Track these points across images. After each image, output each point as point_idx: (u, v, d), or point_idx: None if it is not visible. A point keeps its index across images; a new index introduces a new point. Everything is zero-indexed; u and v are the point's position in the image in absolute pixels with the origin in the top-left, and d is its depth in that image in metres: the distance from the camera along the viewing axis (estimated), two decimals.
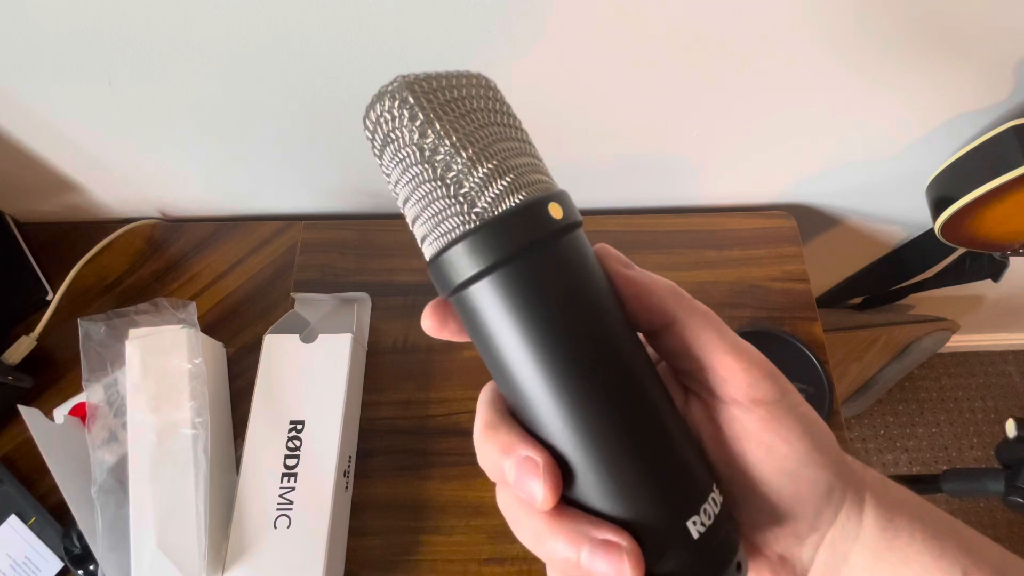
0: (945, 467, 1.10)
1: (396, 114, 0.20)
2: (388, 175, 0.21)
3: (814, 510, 0.21)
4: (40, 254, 0.67)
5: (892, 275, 0.86)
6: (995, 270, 0.74)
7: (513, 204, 0.19)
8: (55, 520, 0.56)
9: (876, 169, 0.66)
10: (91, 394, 0.54)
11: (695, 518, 0.19)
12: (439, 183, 0.20)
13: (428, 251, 0.21)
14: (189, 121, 0.57)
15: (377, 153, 0.21)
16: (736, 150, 0.63)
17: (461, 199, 0.19)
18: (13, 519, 0.56)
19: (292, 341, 0.56)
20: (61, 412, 0.59)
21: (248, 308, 0.65)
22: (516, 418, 0.21)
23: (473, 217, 0.19)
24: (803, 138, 0.62)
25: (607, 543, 0.18)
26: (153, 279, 0.67)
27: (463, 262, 0.19)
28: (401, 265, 0.67)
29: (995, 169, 0.54)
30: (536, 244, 0.19)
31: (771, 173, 0.68)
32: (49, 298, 0.64)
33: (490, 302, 0.20)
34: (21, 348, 0.61)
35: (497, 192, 0.19)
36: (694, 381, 0.22)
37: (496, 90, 0.22)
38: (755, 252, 0.68)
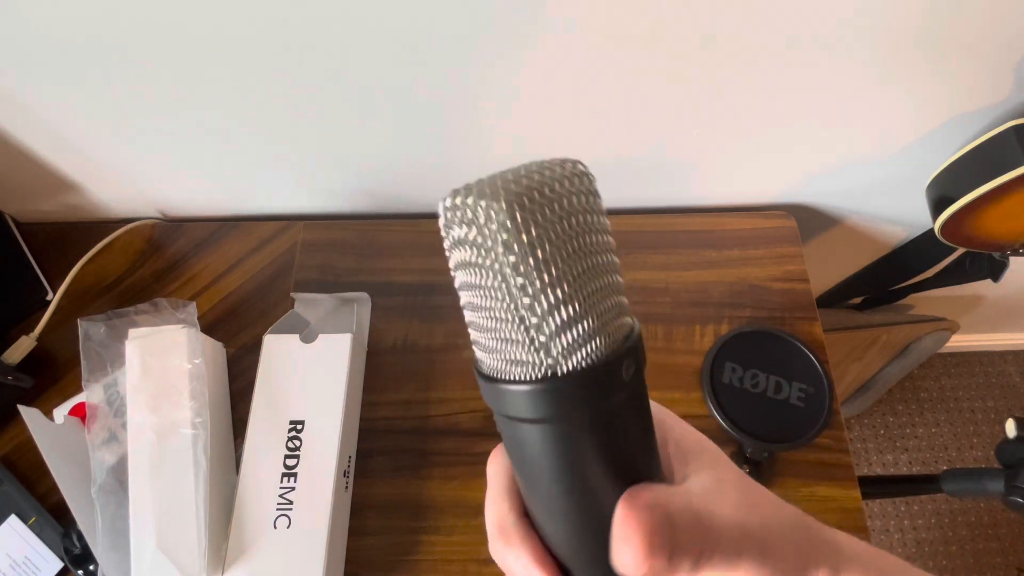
0: (945, 467, 1.10)
1: (487, 231, 0.17)
2: (450, 259, 0.19)
3: None
4: (40, 254, 0.67)
5: (892, 275, 0.86)
6: (995, 270, 0.74)
7: (588, 362, 0.18)
8: (55, 520, 0.56)
9: (876, 169, 0.66)
10: (91, 394, 0.54)
11: None
12: (515, 313, 0.17)
13: (482, 360, 0.20)
14: (189, 121, 0.57)
15: (448, 245, 0.19)
16: (736, 150, 0.63)
17: (534, 340, 0.18)
18: (13, 519, 0.56)
19: (292, 341, 0.56)
20: (61, 412, 0.59)
21: (248, 308, 0.65)
22: (531, 521, 0.22)
23: (543, 362, 0.18)
24: (803, 138, 0.62)
25: None
26: (153, 279, 0.67)
27: (521, 403, 0.18)
28: (401, 265, 0.67)
29: (995, 169, 0.54)
30: (601, 404, 0.19)
31: (771, 173, 0.68)
32: (49, 298, 0.64)
33: (538, 444, 0.19)
34: (21, 348, 0.61)
35: (574, 341, 0.18)
36: None
37: (594, 190, 0.19)
38: (755, 252, 0.68)
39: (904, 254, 0.81)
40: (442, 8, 0.45)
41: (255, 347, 0.57)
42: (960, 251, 0.77)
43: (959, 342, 1.30)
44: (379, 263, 0.67)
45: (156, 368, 0.53)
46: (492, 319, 0.18)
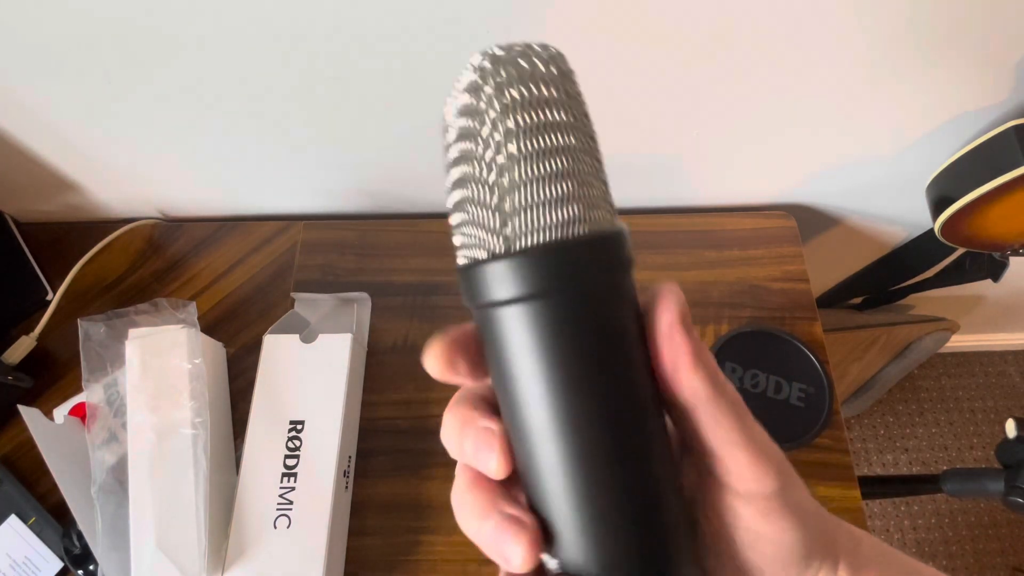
0: (945, 467, 1.10)
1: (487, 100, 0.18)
2: (448, 151, 0.20)
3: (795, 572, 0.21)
4: (40, 254, 0.67)
5: (892, 275, 0.86)
6: (995, 270, 0.74)
7: (579, 233, 0.18)
8: (55, 520, 0.56)
9: (876, 169, 0.66)
10: (91, 394, 0.54)
11: None
12: (486, 187, 0.18)
13: (461, 255, 0.19)
14: (189, 121, 0.57)
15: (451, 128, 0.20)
16: (736, 150, 0.63)
17: (502, 218, 0.18)
18: (13, 519, 0.56)
19: (292, 341, 0.56)
20: (61, 412, 0.59)
21: (248, 308, 0.65)
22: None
23: (512, 235, 0.18)
24: (803, 138, 0.62)
25: (512, 518, 0.18)
26: (153, 279, 0.67)
27: (502, 282, 0.18)
28: (401, 265, 0.67)
29: (995, 169, 0.54)
30: (585, 283, 0.18)
31: (771, 173, 0.68)
32: (49, 298, 0.64)
33: (517, 331, 0.18)
34: (21, 348, 0.61)
35: (564, 218, 0.18)
36: (700, 460, 0.21)
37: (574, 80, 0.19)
38: (755, 252, 0.68)
39: (904, 254, 0.81)
40: (442, 9, 0.45)
41: (255, 347, 0.57)
42: (960, 251, 0.77)
43: (959, 342, 1.30)
44: (379, 263, 0.67)
45: (156, 368, 0.53)
46: (472, 204, 0.18)
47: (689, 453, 0.22)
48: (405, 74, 0.51)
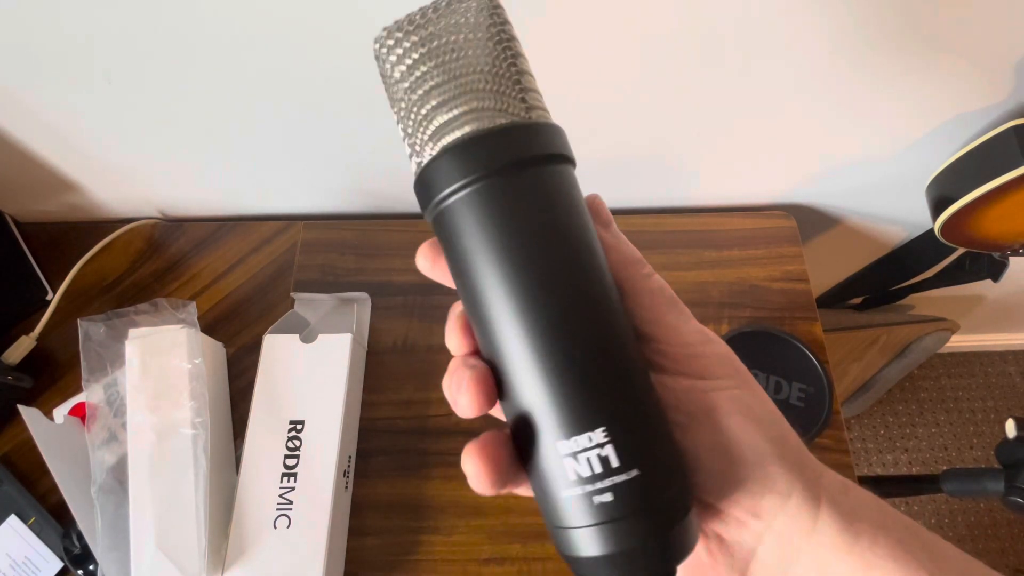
0: (945, 467, 1.10)
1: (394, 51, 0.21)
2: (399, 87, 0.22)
3: (755, 487, 0.21)
4: (40, 254, 0.67)
5: (892, 275, 0.86)
6: (995, 270, 0.74)
7: (503, 123, 0.20)
8: (55, 520, 0.56)
9: (876, 169, 0.66)
10: (91, 394, 0.54)
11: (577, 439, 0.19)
12: (400, 114, 0.21)
13: (414, 164, 0.22)
14: (189, 121, 0.57)
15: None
16: (736, 150, 0.63)
17: (426, 118, 0.20)
18: (13, 519, 0.56)
19: (292, 341, 0.56)
20: (61, 412, 0.59)
21: (248, 308, 0.65)
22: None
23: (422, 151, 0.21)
24: (803, 138, 0.62)
25: (467, 359, 0.21)
26: (153, 279, 0.67)
27: (445, 175, 0.20)
28: (401, 265, 0.67)
29: (995, 169, 0.54)
30: (521, 164, 0.20)
31: (771, 173, 0.68)
32: (49, 298, 0.64)
33: (465, 216, 0.20)
34: (21, 348, 0.61)
35: (499, 107, 0.20)
36: (651, 350, 0.23)
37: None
38: (755, 252, 0.68)
39: (904, 254, 0.81)
40: None
41: (255, 347, 0.57)
42: (960, 251, 0.77)
43: (959, 342, 1.30)
44: (379, 263, 0.67)
45: (156, 368, 0.53)
46: (404, 133, 0.22)
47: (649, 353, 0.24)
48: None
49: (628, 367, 0.21)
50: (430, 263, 0.22)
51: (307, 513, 0.50)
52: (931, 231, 0.64)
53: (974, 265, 0.77)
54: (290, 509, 0.51)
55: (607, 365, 0.20)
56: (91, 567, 0.53)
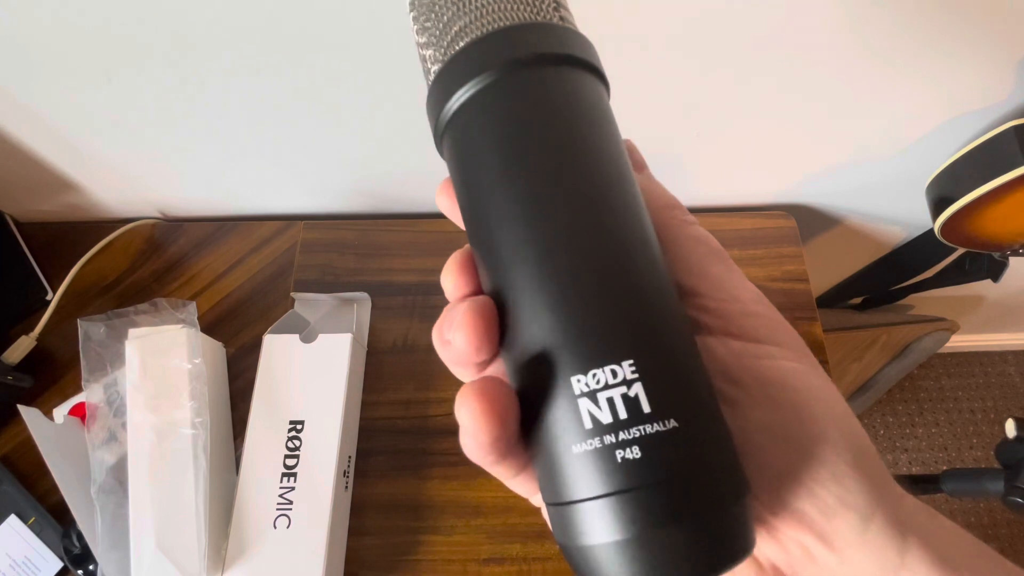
0: (945, 467, 1.10)
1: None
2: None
3: (825, 496, 0.16)
4: (40, 254, 0.67)
5: (892, 275, 0.86)
6: (995, 270, 0.74)
7: (527, 21, 0.18)
8: (55, 520, 0.56)
9: (876, 169, 0.66)
10: (91, 394, 0.54)
11: (594, 372, 0.15)
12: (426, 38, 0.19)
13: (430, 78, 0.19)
14: (189, 121, 0.57)
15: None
16: (736, 150, 0.63)
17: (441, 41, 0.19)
18: (13, 519, 0.56)
19: (292, 341, 0.56)
20: (61, 412, 0.59)
21: (248, 308, 0.65)
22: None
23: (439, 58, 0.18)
24: (803, 138, 0.62)
25: (466, 299, 0.17)
26: (153, 279, 0.67)
27: (456, 76, 0.17)
28: (401, 265, 0.67)
29: (995, 169, 0.54)
30: (542, 60, 0.17)
31: (771, 173, 0.68)
32: (49, 298, 0.64)
33: (474, 118, 0.17)
34: (21, 348, 0.61)
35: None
36: (695, 306, 0.18)
37: None
38: (755, 252, 0.68)
39: (904, 254, 0.81)
40: None
41: (255, 347, 0.57)
42: (960, 251, 0.77)
43: (959, 342, 1.30)
44: (379, 263, 0.67)
45: (156, 368, 0.53)
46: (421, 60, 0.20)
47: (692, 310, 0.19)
48: (405, 73, 0.51)
49: (663, 296, 0.16)
50: (448, 199, 0.19)
51: (307, 513, 0.50)
52: (931, 231, 0.64)
53: (974, 265, 0.77)
54: (290, 509, 0.51)
55: (639, 285, 0.15)
56: (91, 567, 0.53)
